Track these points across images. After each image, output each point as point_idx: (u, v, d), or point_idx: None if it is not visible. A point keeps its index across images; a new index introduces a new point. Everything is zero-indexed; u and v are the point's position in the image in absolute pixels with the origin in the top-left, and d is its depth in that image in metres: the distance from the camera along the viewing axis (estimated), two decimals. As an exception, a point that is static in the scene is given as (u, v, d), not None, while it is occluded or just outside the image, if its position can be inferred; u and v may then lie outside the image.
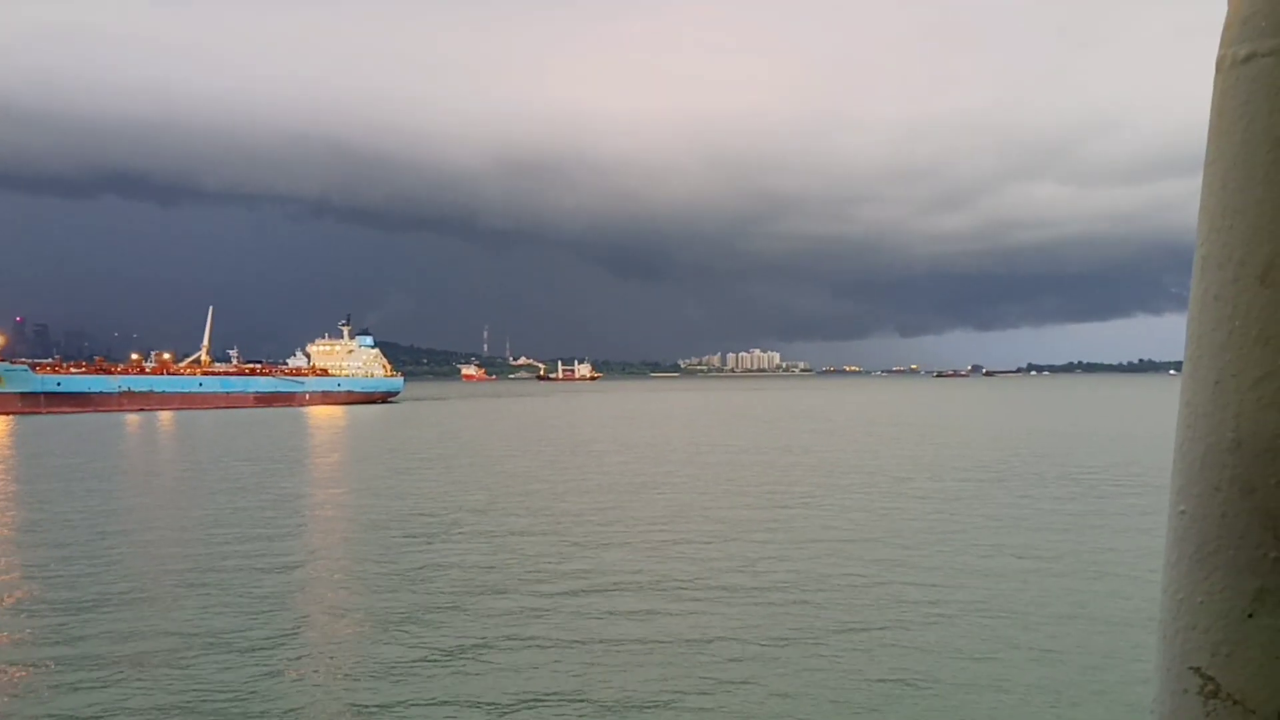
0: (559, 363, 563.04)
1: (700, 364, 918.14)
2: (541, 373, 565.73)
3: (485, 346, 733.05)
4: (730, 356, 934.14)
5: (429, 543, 33.17)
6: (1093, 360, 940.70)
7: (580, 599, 25.01)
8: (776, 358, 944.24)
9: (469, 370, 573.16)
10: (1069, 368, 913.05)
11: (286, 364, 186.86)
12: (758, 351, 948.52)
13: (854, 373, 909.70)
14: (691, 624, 22.60)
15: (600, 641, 21.23)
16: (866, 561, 29.53)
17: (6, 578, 28.26)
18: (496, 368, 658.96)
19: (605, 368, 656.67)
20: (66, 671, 19.40)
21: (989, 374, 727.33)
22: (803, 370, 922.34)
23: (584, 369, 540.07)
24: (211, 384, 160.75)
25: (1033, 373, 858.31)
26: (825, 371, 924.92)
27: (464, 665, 19.73)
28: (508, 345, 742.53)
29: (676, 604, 24.45)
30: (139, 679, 18.87)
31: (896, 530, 35.08)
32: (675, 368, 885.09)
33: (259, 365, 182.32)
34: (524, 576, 27.64)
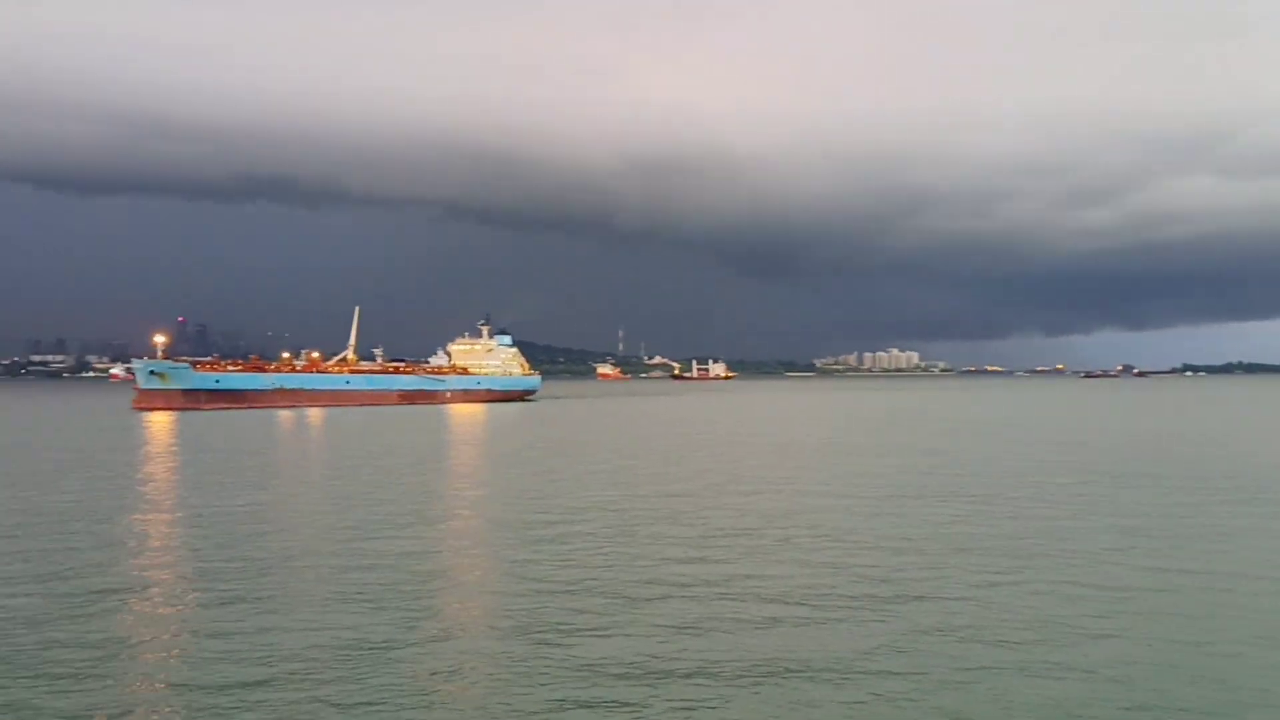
0: (693, 362, 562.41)
1: (836, 363, 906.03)
2: (676, 372, 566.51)
3: (620, 346, 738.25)
4: (867, 356, 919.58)
5: (571, 543, 33.40)
6: (1255, 360, 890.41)
7: (722, 605, 24.82)
8: (915, 357, 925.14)
9: (604, 369, 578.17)
10: (1228, 368, 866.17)
11: (428, 362, 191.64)
12: (895, 351, 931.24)
13: (996, 373, 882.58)
14: (832, 634, 22.19)
15: (746, 649, 21.02)
16: (1007, 572, 28.55)
17: (161, 570, 29.58)
18: (631, 367, 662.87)
19: (740, 367, 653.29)
20: (213, 668, 20.10)
21: (1140, 374, 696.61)
22: (942, 370, 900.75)
23: (718, 368, 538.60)
24: (358, 382, 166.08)
25: (1188, 373, 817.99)
26: (966, 371, 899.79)
27: (606, 674, 19.74)
28: (642, 345, 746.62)
29: (817, 613, 24.04)
30: (282, 678, 19.44)
31: (1050, 535, 33.85)
32: (810, 367, 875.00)
33: (402, 364, 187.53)
34: (666, 581, 27.49)
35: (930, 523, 36.57)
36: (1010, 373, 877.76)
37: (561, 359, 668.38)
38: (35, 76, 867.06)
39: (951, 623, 22.33)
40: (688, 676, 18.77)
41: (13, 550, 31.19)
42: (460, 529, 36.10)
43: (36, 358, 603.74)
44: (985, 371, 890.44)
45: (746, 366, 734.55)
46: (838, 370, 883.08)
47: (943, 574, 27.47)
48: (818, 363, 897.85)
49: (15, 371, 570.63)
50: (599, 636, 21.37)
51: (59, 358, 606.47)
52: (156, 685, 18.48)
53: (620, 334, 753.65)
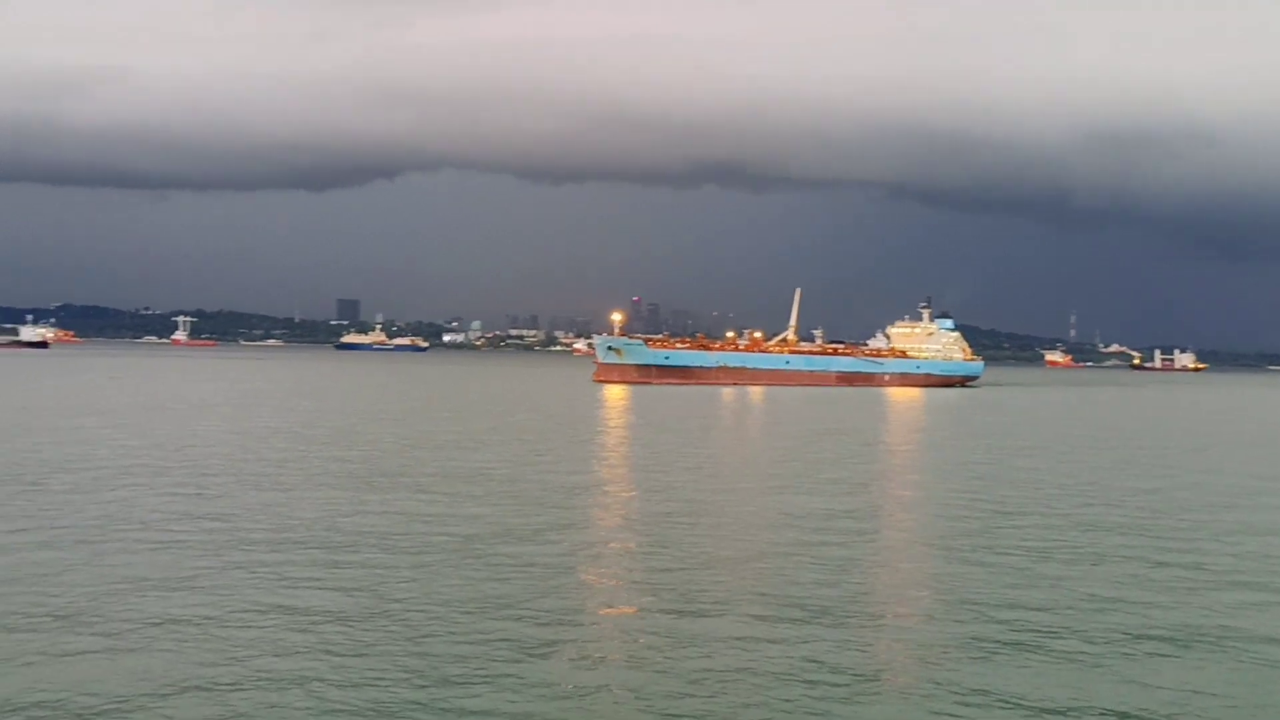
0: (1156, 351, 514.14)
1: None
2: (1136, 361, 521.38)
3: (1072, 332, 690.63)
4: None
5: (1031, 554, 31.37)
6: None
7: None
8: None
9: (1053, 356, 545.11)
10: None
11: (867, 345, 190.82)
12: None
13: None
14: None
15: None
16: None
17: (621, 536, 31.27)
18: (1084, 354, 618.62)
19: (1211, 358, 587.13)
20: (652, 653, 20.66)
21: None
22: None
23: (1186, 359, 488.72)
24: (797, 362, 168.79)
25: None
26: None
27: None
28: (1097, 331, 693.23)
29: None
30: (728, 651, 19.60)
31: None
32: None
33: (841, 345, 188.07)
34: (1143, 629, 24.35)
35: None
36: None
37: (1006, 344, 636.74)
38: (517, 76, 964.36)
39: None
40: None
41: (500, 493, 34.61)
42: (891, 519, 35.18)
43: (514, 331, 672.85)
44: None
45: (1220, 357, 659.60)
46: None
47: None
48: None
49: (497, 344, 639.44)
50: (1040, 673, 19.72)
51: (532, 332, 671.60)
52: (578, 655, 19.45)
53: (1072, 319, 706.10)
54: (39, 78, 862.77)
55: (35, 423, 61.41)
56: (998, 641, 19.88)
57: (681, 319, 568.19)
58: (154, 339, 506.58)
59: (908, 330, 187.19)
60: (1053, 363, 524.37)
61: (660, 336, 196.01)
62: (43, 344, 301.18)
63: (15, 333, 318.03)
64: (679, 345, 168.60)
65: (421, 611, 20.97)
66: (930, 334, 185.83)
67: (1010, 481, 45.37)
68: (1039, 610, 22.15)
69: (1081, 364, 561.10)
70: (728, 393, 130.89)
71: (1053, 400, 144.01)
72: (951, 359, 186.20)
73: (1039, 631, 20.56)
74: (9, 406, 74.53)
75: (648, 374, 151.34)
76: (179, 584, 22.64)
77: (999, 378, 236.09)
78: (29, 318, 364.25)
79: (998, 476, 47.38)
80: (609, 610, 21.86)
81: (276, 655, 18.08)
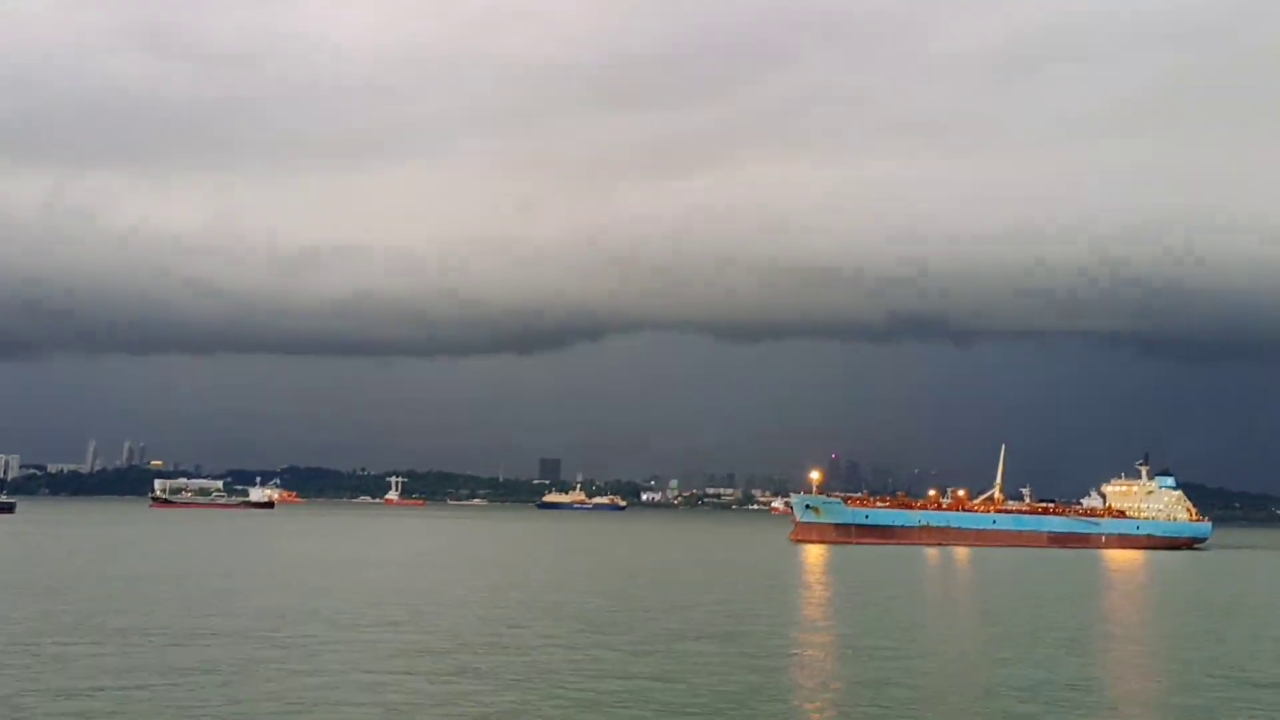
0: None
1: None
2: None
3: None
4: None
5: None
6: None
7: None
8: None
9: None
10: None
11: (1080, 504, 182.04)
12: None
13: None
14: None
15: None
16: None
17: (812, 691, 31.02)
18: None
19: None
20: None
21: None
22: None
23: None
24: (1004, 522, 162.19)
25: None
26: None
27: None
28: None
29: None
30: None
31: None
32: None
33: (1052, 504, 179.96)
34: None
35: None
36: None
37: (1237, 504, 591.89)
38: (712, 238, 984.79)
39: None
40: None
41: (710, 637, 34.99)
42: (1122, 696, 33.52)
43: (711, 490, 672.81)
44: None
45: None
46: None
47: None
48: None
49: (694, 503, 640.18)
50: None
51: (729, 491, 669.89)
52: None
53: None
54: (280, 256, 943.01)
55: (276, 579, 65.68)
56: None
57: (882, 477, 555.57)
58: (368, 499, 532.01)
59: (1125, 488, 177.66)
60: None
61: (859, 495, 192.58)
62: (269, 504, 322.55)
63: (246, 494, 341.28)
64: (879, 504, 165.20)
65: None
66: (1150, 492, 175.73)
67: None
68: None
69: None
70: (931, 554, 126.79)
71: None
72: (1175, 519, 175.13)
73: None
74: (267, 565, 79.90)
75: (847, 533, 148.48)
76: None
77: (1230, 540, 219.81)
78: (257, 480, 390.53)
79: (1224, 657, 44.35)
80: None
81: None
